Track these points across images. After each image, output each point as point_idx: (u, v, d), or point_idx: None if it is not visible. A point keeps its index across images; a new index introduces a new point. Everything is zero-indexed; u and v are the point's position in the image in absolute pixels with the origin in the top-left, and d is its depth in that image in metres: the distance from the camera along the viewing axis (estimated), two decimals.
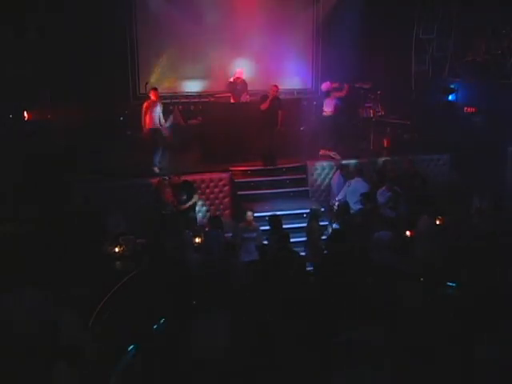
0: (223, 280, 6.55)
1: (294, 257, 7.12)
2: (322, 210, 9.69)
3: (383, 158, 10.81)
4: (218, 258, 7.38)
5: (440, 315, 5.67)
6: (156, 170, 9.98)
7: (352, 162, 10.48)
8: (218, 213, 9.79)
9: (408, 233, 7.94)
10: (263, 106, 10.15)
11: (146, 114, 9.92)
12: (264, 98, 10.29)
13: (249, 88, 11.72)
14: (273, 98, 10.17)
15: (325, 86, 11.31)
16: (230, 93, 11.52)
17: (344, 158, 10.62)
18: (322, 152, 10.97)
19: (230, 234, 8.40)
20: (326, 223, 8.83)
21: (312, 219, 8.45)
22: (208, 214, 9.86)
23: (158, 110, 10.05)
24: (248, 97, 11.26)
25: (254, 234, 8.07)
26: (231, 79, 11.68)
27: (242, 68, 11.92)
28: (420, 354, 5.03)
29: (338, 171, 10.08)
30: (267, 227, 8.37)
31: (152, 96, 10.01)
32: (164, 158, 10.22)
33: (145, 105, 9.99)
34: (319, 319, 5.41)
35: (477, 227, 8.39)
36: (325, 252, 7.74)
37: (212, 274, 6.79)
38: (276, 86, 10.39)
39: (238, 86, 11.45)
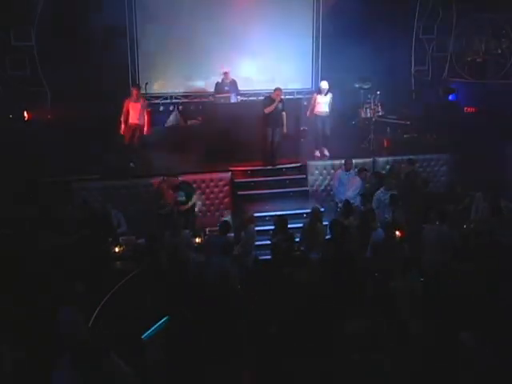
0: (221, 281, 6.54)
1: (306, 257, 7.13)
2: (322, 209, 9.69)
3: (383, 159, 10.81)
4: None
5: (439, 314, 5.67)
6: (131, 165, 10.03)
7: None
8: (217, 213, 9.81)
9: (398, 233, 7.77)
10: (267, 110, 10.08)
11: (128, 109, 10.00)
12: (267, 99, 10.23)
13: (248, 88, 11.70)
14: (278, 102, 10.11)
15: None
16: (218, 94, 11.27)
17: (339, 157, 10.53)
18: (316, 153, 10.95)
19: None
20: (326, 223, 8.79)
21: (315, 219, 8.23)
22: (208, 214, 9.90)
23: (141, 105, 10.12)
24: (239, 98, 11.11)
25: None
26: (219, 80, 11.63)
27: (228, 68, 11.72)
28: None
29: (339, 171, 10.06)
30: (267, 227, 8.38)
31: (134, 93, 10.09)
32: (139, 157, 10.25)
33: (126, 101, 10.05)
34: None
35: (477, 227, 8.40)
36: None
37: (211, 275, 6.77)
38: (279, 89, 10.22)
39: (227, 86, 11.36)
